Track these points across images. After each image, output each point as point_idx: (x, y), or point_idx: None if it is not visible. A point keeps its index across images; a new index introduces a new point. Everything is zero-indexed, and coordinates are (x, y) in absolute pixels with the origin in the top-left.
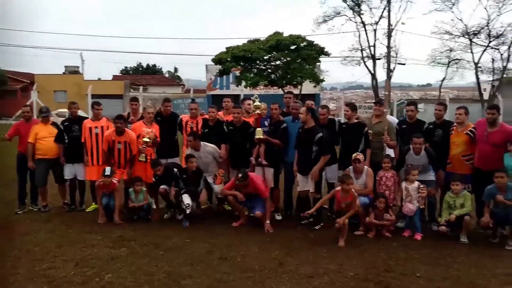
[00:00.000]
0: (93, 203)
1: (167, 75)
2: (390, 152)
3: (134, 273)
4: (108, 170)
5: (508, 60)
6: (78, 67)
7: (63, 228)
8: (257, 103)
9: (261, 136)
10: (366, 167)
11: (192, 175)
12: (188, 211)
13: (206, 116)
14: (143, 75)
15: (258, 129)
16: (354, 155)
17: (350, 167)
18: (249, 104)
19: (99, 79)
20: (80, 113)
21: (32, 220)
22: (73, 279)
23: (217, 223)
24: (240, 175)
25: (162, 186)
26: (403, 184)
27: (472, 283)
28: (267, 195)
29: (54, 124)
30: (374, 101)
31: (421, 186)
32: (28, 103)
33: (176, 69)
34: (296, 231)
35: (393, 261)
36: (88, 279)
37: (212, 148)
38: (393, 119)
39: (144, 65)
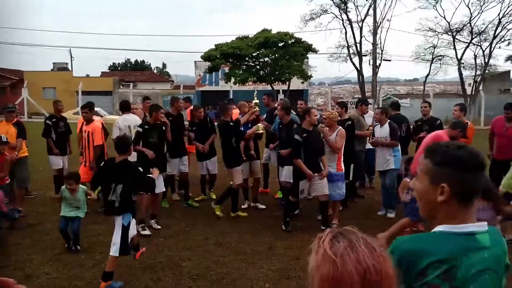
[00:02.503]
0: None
1: (155, 71)
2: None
3: (139, 257)
4: (3, 137)
5: (489, 56)
6: (66, 63)
7: None
8: (256, 101)
9: (262, 131)
10: (340, 127)
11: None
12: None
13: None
14: (132, 71)
15: (259, 124)
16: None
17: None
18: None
19: (87, 76)
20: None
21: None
22: (84, 263)
23: (212, 214)
24: None
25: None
26: (406, 181)
27: None
28: None
29: (17, 123)
30: (360, 98)
31: None
32: (19, 100)
33: (164, 65)
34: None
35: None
36: (97, 262)
37: None
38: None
39: (133, 61)
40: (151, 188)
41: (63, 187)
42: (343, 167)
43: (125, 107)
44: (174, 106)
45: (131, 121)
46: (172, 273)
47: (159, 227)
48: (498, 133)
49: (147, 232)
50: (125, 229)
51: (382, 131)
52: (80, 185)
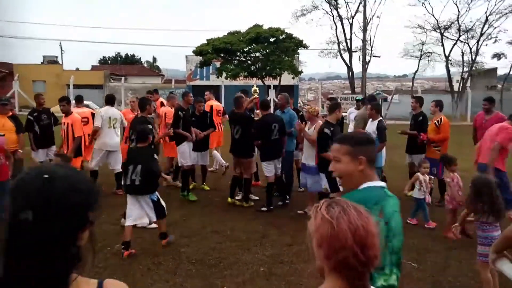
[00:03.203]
0: None
1: (145, 65)
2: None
3: (140, 243)
4: None
5: (476, 54)
6: (56, 57)
7: None
8: (255, 88)
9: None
10: (319, 121)
11: None
12: None
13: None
14: (122, 65)
15: (257, 111)
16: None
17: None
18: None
19: (77, 69)
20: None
21: None
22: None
23: (209, 204)
24: None
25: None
26: (420, 176)
27: None
28: None
29: (13, 117)
30: (354, 96)
31: (432, 178)
32: (10, 93)
33: (155, 59)
34: (278, 209)
35: None
36: (100, 249)
37: None
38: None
39: (123, 55)
40: (155, 183)
41: None
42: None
43: (109, 101)
44: (184, 100)
45: (111, 113)
46: (171, 257)
47: None
48: (479, 127)
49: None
50: (156, 202)
51: (370, 127)
52: None
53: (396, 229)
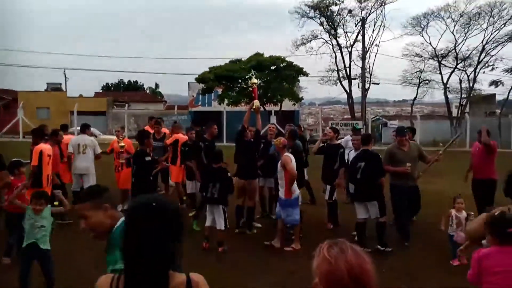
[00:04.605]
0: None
1: (148, 91)
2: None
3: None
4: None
5: (474, 81)
6: (60, 84)
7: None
8: (254, 80)
9: (255, 107)
10: (286, 153)
11: None
12: None
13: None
14: (125, 91)
15: (255, 100)
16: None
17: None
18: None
19: (80, 96)
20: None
21: None
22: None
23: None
24: None
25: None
26: (453, 212)
27: None
28: None
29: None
30: (395, 130)
31: (471, 214)
32: (14, 120)
33: (157, 85)
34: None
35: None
36: None
37: None
38: (346, 139)
39: (126, 81)
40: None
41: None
42: (293, 192)
43: (82, 129)
44: (209, 131)
45: (80, 140)
46: None
47: None
48: (473, 153)
49: None
50: (225, 211)
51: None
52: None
53: None
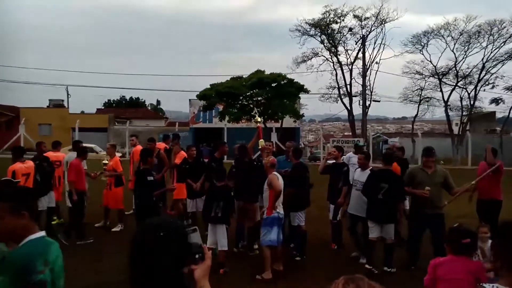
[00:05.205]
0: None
1: (149, 108)
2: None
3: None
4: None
5: (475, 99)
6: (62, 100)
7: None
8: (258, 118)
9: (261, 146)
10: (271, 174)
11: None
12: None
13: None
14: (127, 108)
15: (260, 140)
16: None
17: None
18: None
19: (82, 112)
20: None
21: None
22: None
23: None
24: None
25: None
26: (478, 243)
27: None
28: None
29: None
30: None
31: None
32: (16, 137)
33: (158, 102)
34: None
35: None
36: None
37: None
38: (348, 156)
39: (128, 98)
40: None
41: None
42: (275, 211)
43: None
44: (219, 150)
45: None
46: None
47: None
48: (479, 174)
49: None
50: (227, 230)
51: (362, 176)
52: None
53: (59, 272)
